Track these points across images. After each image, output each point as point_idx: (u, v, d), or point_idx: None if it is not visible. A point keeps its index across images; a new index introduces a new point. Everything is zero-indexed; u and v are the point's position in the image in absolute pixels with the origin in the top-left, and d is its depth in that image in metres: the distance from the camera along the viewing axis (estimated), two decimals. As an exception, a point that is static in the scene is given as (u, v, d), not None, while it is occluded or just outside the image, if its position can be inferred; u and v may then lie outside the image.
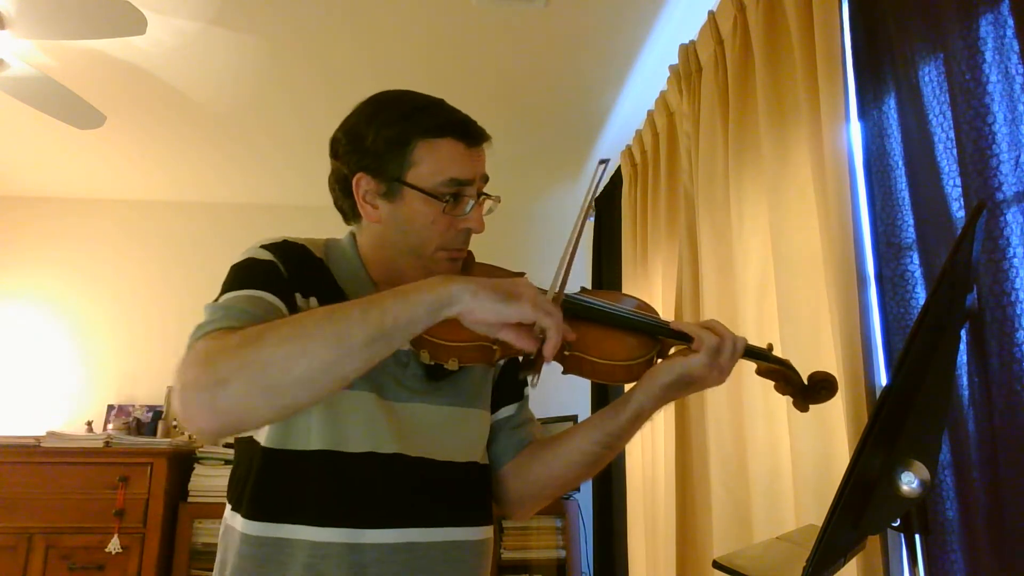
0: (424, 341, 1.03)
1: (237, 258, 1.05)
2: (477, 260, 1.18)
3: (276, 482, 1.00)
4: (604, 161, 1.11)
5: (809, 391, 1.11)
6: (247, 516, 1.01)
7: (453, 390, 1.12)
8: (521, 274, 1.16)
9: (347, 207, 1.12)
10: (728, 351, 1.04)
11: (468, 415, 1.13)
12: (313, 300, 1.03)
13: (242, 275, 1.01)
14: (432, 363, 1.04)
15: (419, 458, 1.05)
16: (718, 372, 1.04)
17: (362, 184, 1.07)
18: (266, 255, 1.04)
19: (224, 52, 2.51)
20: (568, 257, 1.01)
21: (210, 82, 2.72)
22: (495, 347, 1.02)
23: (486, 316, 0.87)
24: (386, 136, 1.04)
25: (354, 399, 1.02)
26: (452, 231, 1.07)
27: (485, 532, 1.12)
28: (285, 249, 1.07)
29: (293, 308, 1.00)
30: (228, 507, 1.08)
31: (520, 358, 0.89)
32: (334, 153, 1.11)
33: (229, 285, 1.00)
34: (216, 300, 0.98)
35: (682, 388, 1.06)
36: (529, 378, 0.96)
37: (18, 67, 2.28)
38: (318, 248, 1.12)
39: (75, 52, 2.50)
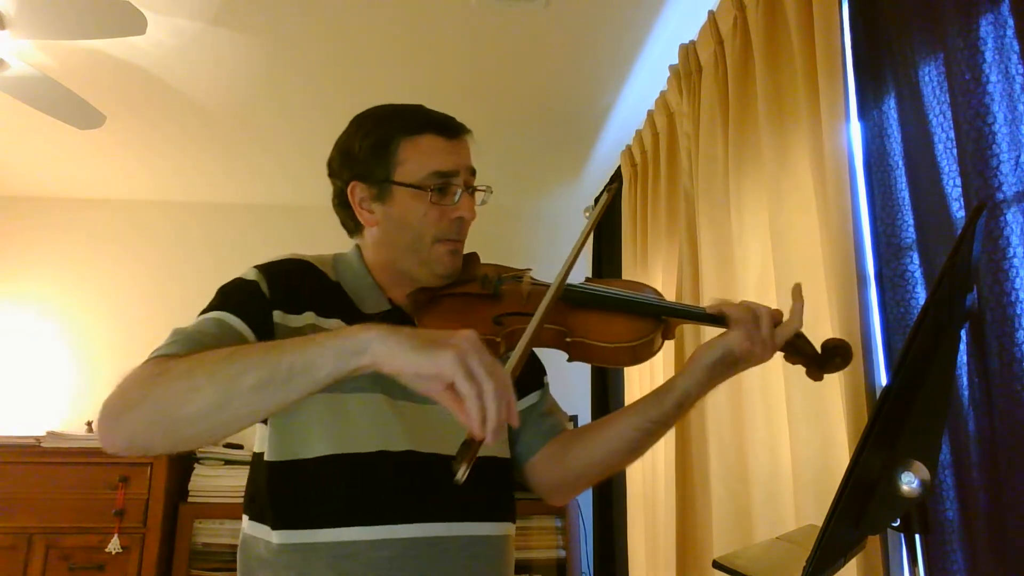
0: None
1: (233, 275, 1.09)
2: (482, 261, 1.19)
3: (291, 492, 1.01)
4: (610, 187, 1.13)
5: (823, 359, 1.09)
6: (275, 526, 1.01)
7: None
8: (527, 270, 1.17)
9: (348, 220, 1.17)
10: (766, 322, 1.06)
11: None
12: (309, 314, 1.06)
13: (221, 296, 1.05)
14: None
15: (432, 454, 1.05)
16: (761, 346, 1.06)
17: (356, 192, 1.12)
18: (252, 275, 1.07)
19: (224, 52, 2.51)
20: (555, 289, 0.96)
21: (210, 82, 2.71)
22: (499, 340, 1.04)
23: (400, 367, 0.79)
24: (369, 142, 1.11)
25: (362, 400, 1.04)
26: (445, 221, 1.10)
27: (507, 528, 1.13)
28: (278, 268, 1.10)
29: (267, 326, 1.02)
30: (246, 518, 1.08)
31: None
32: (330, 172, 1.17)
33: (208, 305, 1.04)
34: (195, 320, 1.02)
35: (728, 368, 1.08)
36: (455, 467, 0.77)
37: (18, 67, 2.28)
38: (327, 264, 1.15)
39: (75, 52, 2.50)
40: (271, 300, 1.04)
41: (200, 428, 0.84)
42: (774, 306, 1.13)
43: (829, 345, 1.09)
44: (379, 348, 0.79)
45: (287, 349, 0.83)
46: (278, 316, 1.04)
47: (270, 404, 0.83)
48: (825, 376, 1.12)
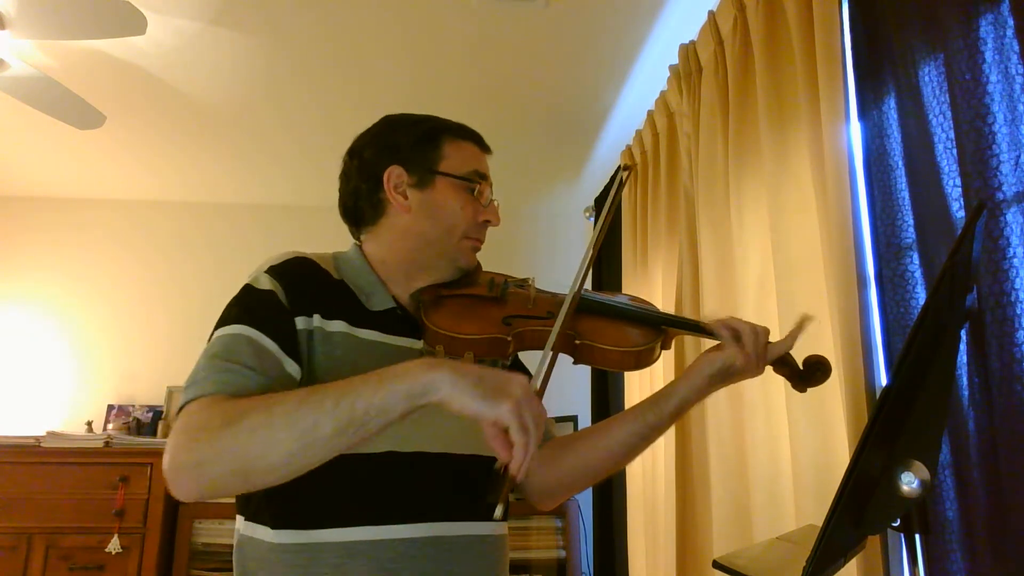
0: (439, 336, 1.07)
1: (245, 279, 1.06)
2: (481, 262, 1.21)
3: (293, 494, 0.98)
4: (627, 168, 1.25)
5: (806, 374, 1.16)
6: (275, 527, 1.01)
7: None
8: (526, 280, 1.19)
9: (368, 207, 1.15)
10: (751, 339, 1.11)
11: None
12: (317, 317, 1.04)
13: (242, 310, 1.03)
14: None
15: (441, 454, 1.06)
16: (754, 362, 1.12)
17: (393, 176, 1.13)
18: (266, 283, 1.04)
19: (224, 52, 2.51)
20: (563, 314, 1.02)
21: (210, 82, 2.71)
22: (509, 339, 1.07)
23: (463, 409, 0.85)
24: (417, 133, 1.15)
25: None
26: (475, 220, 1.15)
27: (505, 527, 1.14)
28: (290, 269, 1.08)
29: (292, 338, 1.01)
30: (241, 518, 1.08)
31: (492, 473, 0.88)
32: (359, 158, 1.16)
33: (226, 319, 1.02)
34: (211, 336, 1.00)
35: (724, 379, 1.14)
36: (492, 500, 0.87)
37: (18, 67, 2.28)
38: (328, 262, 1.14)
39: (75, 52, 2.50)
40: (291, 310, 1.03)
41: (280, 474, 0.88)
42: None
43: (811, 361, 1.15)
44: (448, 391, 0.85)
45: (360, 393, 0.86)
46: (300, 322, 1.03)
47: (345, 446, 0.87)
48: (808, 389, 1.18)
